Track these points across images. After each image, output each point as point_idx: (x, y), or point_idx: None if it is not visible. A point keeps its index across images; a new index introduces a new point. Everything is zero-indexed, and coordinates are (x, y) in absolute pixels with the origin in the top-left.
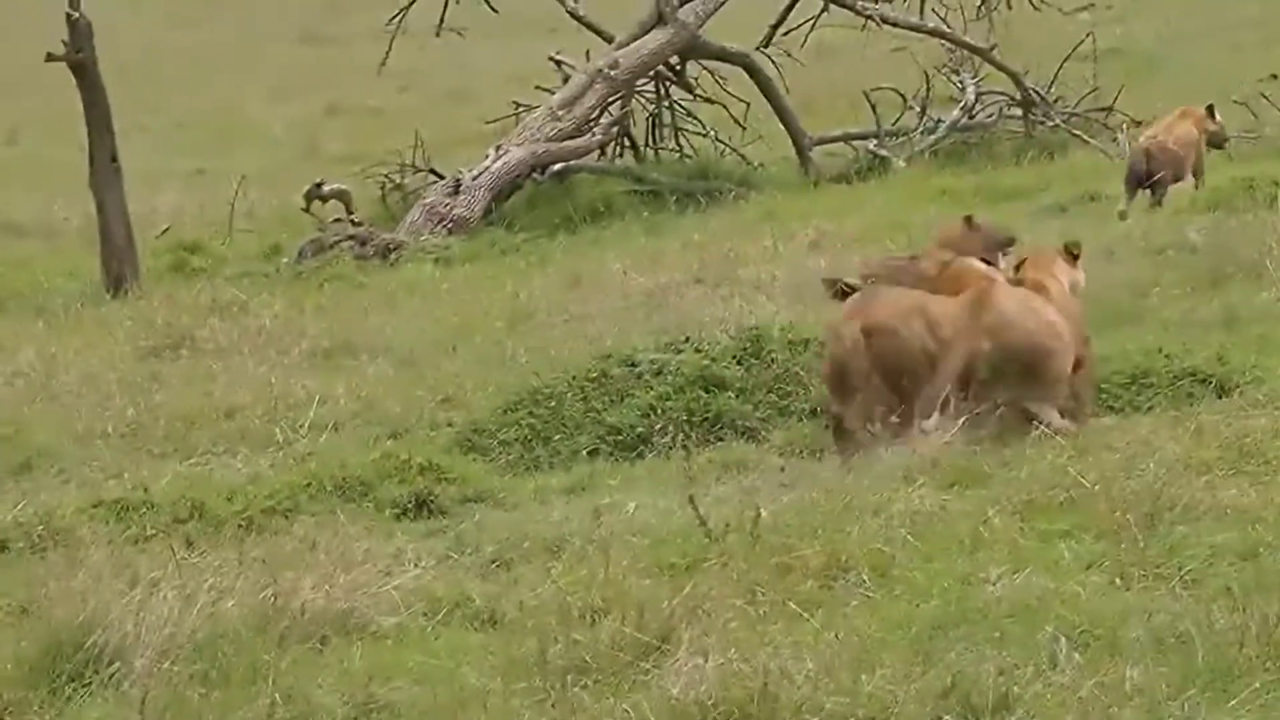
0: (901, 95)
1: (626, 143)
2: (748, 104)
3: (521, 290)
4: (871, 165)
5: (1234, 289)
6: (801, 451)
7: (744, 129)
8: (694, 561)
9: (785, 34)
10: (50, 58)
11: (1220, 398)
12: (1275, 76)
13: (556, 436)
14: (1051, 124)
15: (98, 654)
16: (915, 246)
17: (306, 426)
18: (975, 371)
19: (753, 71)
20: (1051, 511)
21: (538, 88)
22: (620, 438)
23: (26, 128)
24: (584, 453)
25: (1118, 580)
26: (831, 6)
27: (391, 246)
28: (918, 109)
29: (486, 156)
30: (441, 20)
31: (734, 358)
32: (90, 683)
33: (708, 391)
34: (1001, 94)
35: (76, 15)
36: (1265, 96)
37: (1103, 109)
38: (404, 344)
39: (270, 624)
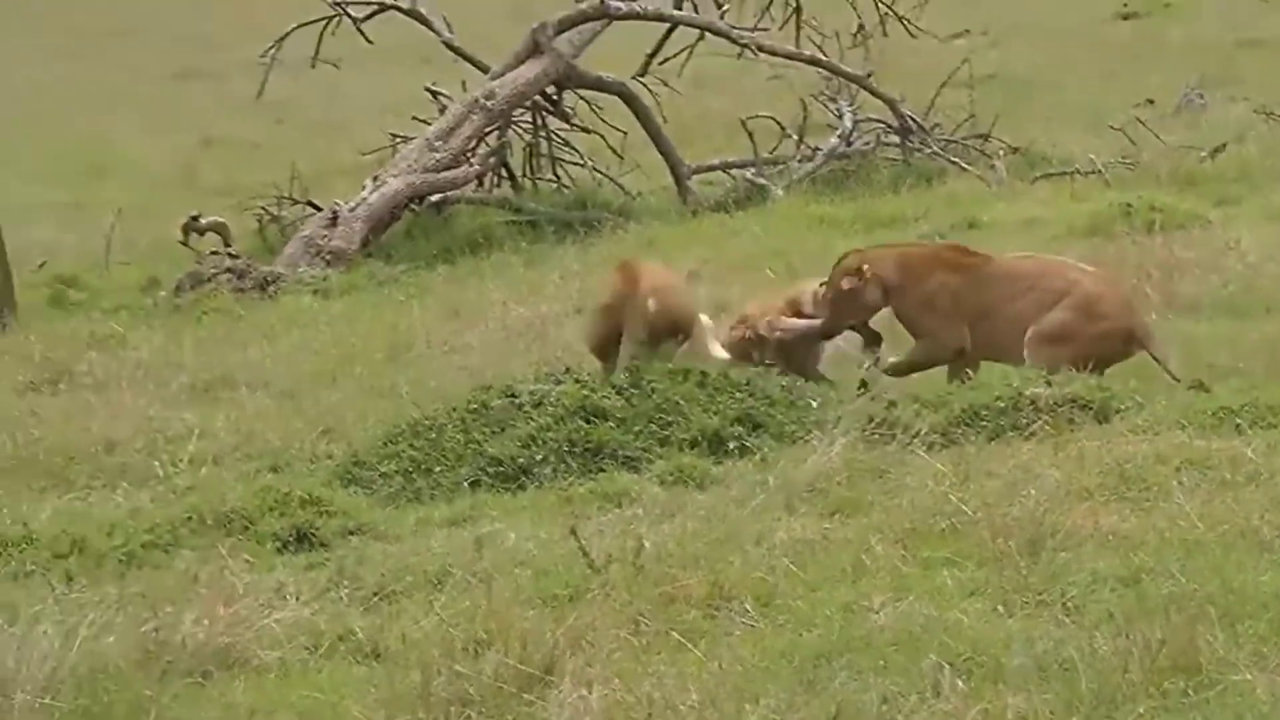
0: (779, 123)
1: (504, 173)
2: (625, 133)
3: (401, 322)
4: (750, 194)
5: None
6: (683, 481)
7: (621, 158)
8: (577, 592)
9: (662, 63)
10: None
11: (1101, 424)
12: (1151, 102)
13: (437, 468)
14: (929, 151)
15: None
16: (795, 274)
17: (186, 460)
18: None
19: (629, 101)
20: (933, 539)
21: (414, 119)
22: (501, 469)
23: None
24: (465, 484)
25: (1000, 607)
26: (708, 35)
27: (269, 279)
28: (795, 137)
29: (364, 188)
30: (316, 52)
31: (614, 388)
32: None
33: (588, 422)
34: (879, 121)
35: None
36: (1141, 122)
37: (980, 135)
38: (283, 376)
39: (152, 659)
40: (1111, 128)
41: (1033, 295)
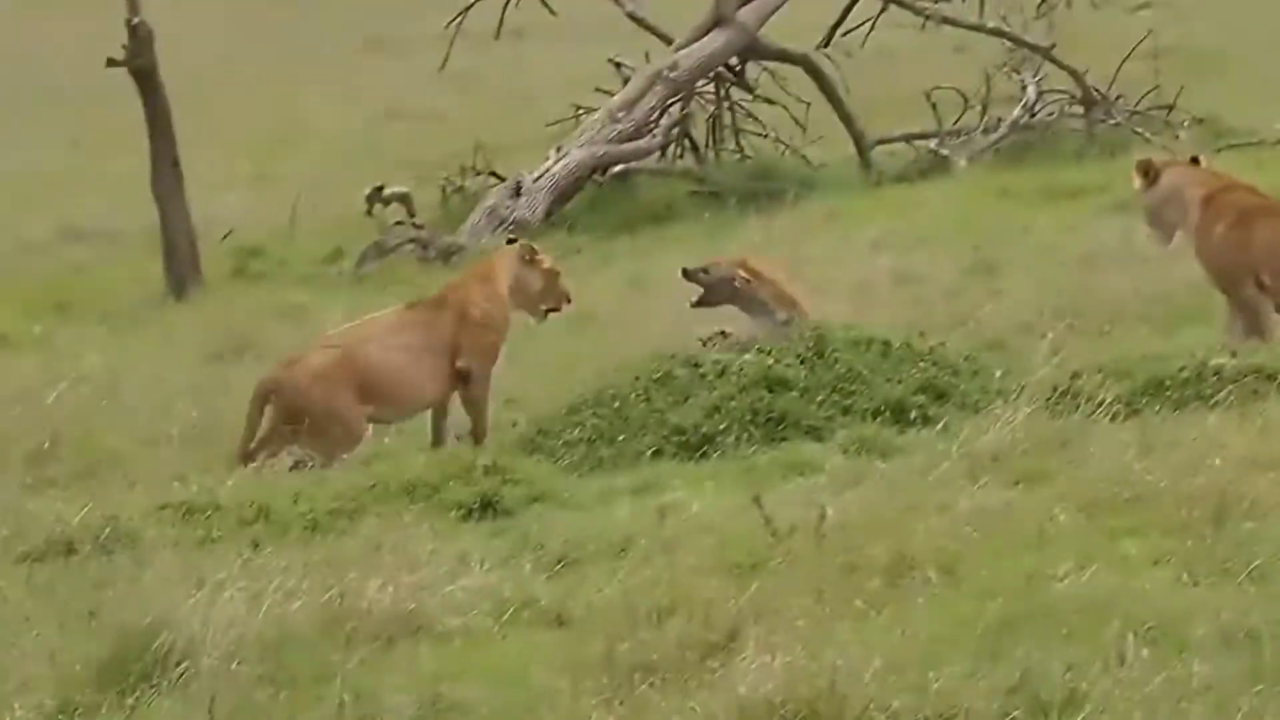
0: (962, 95)
1: (687, 144)
2: (808, 104)
3: (584, 292)
4: (933, 165)
5: None
6: (866, 450)
7: (804, 130)
8: (760, 561)
9: (845, 34)
10: (111, 63)
11: None
12: None
13: (620, 437)
14: (1113, 122)
15: (165, 655)
16: (977, 245)
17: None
18: None
19: (813, 72)
20: (1118, 509)
21: (598, 90)
22: (684, 438)
23: (88, 135)
24: (648, 453)
25: (1185, 576)
26: (891, 7)
27: (453, 249)
28: (979, 108)
29: (547, 159)
30: (501, 23)
31: (797, 358)
32: (158, 684)
33: (771, 391)
34: (1063, 92)
35: (137, 21)
36: None
37: (1164, 107)
38: None
39: (336, 625)
40: None
41: None
